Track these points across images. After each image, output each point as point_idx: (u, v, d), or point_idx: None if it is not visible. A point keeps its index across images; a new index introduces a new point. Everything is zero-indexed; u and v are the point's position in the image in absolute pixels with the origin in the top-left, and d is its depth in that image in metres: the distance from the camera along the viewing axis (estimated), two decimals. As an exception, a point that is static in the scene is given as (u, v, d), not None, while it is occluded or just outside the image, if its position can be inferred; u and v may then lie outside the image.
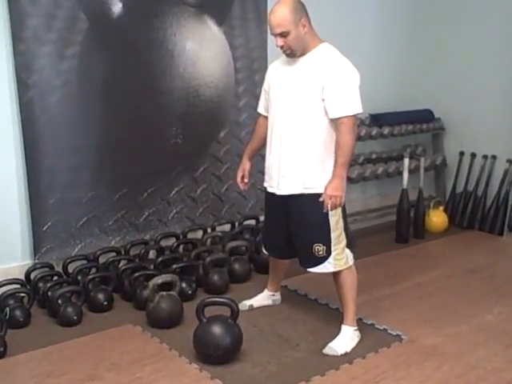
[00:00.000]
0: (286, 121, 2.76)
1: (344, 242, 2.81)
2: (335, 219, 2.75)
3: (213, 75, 3.89)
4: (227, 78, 3.97)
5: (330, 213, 2.71)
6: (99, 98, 3.50)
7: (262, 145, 3.01)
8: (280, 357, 2.75)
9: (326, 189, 2.65)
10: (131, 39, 3.56)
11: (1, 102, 3.22)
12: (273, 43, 4.04)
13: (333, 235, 2.76)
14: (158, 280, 3.06)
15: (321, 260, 2.78)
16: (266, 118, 2.95)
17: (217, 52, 3.91)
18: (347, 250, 2.83)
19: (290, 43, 2.66)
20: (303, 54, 2.71)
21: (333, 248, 2.76)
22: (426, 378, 2.60)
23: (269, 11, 2.72)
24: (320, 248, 2.77)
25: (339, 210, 2.75)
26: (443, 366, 2.69)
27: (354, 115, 2.64)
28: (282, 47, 2.71)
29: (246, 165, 3.08)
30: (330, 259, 2.77)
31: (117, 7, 3.45)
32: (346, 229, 2.83)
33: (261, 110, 3.03)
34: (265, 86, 2.96)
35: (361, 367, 2.67)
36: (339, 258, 2.78)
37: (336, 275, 2.83)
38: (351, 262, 2.84)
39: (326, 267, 2.78)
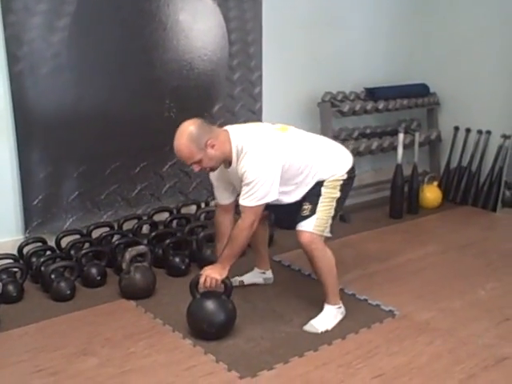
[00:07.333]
0: None
1: (331, 215, 2.78)
2: (328, 195, 2.77)
3: (206, 48, 3.83)
4: (221, 50, 3.91)
5: (324, 187, 2.75)
6: (90, 71, 3.44)
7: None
8: (273, 332, 2.76)
9: (206, 268, 2.72)
10: (123, 10, 3.49)
11: (-10, 74, 3.17)
12: (268, 15, 4.04)
13: (321, 200, 2.74)
14: (132, 252, 3.08)
15: (303, 218, 2.74)
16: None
17: (211, 24, 3.84)
18: (330, 222, 2.78)
19: (205, 165, 2.66)
20: (229, 163, 2.69)
21: (318, 208, 2.73)
22: (418, 352, 2.62)
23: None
24: (306, 207, 2.75)
25: (337, 193, 2.77)
26: (435, 341, 2.70)
27: (252, 207, 2.61)
28: (200, 171, 2.74)
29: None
30: (312, 219, 2.72)
31: (108, -23, 3.39)
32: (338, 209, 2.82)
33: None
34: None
35: (354, 342, 2.69)
36: (319, 224, 2.73)
37: (312, 261, 2.77)
38: (327, 233, 2.80)
39: (303, 226, 2.73)
